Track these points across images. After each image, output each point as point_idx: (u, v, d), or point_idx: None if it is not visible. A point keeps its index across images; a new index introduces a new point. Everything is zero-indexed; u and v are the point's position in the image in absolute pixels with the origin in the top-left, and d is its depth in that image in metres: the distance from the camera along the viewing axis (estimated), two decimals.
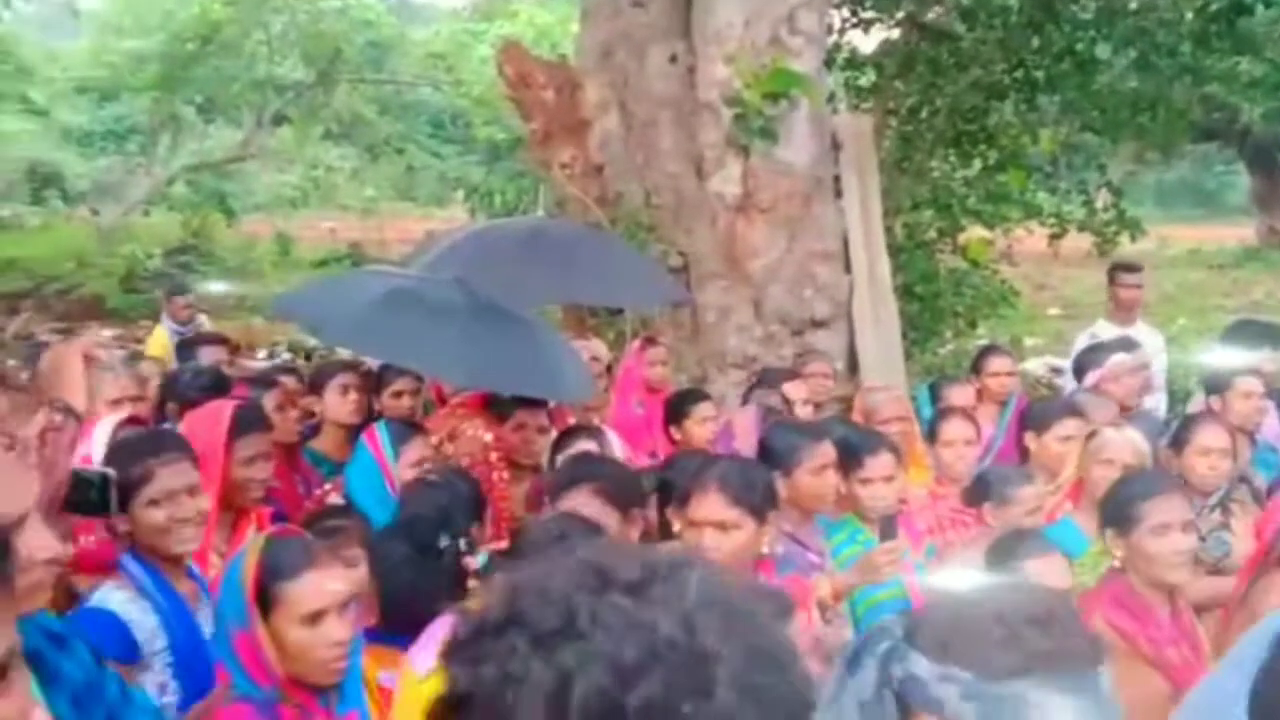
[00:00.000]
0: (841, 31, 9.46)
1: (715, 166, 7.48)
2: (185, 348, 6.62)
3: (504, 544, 3.47)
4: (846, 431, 4.53)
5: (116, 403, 4.40)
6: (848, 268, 7.59)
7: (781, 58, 7.32)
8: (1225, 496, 4.62)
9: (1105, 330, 7.04)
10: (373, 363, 5.50)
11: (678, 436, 5.42)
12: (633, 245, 7.20)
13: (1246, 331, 6.95)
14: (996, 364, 6.13)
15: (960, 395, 5.71)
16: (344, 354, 6.15)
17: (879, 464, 4.25)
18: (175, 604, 3.00)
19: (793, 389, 5.48)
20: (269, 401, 4.64)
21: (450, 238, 6.22)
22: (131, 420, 3.85)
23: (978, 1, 9.10)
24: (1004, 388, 6.04)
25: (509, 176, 13.00)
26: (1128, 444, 4.56)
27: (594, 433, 4.63)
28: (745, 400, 5.38)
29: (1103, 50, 8.74)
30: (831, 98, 8.00)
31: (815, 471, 4.02)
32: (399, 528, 3.39)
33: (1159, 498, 3.48)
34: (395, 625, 3.00)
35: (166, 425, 4.42)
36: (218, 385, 4.85)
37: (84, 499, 2.65)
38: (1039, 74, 9.22)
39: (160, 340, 8.52)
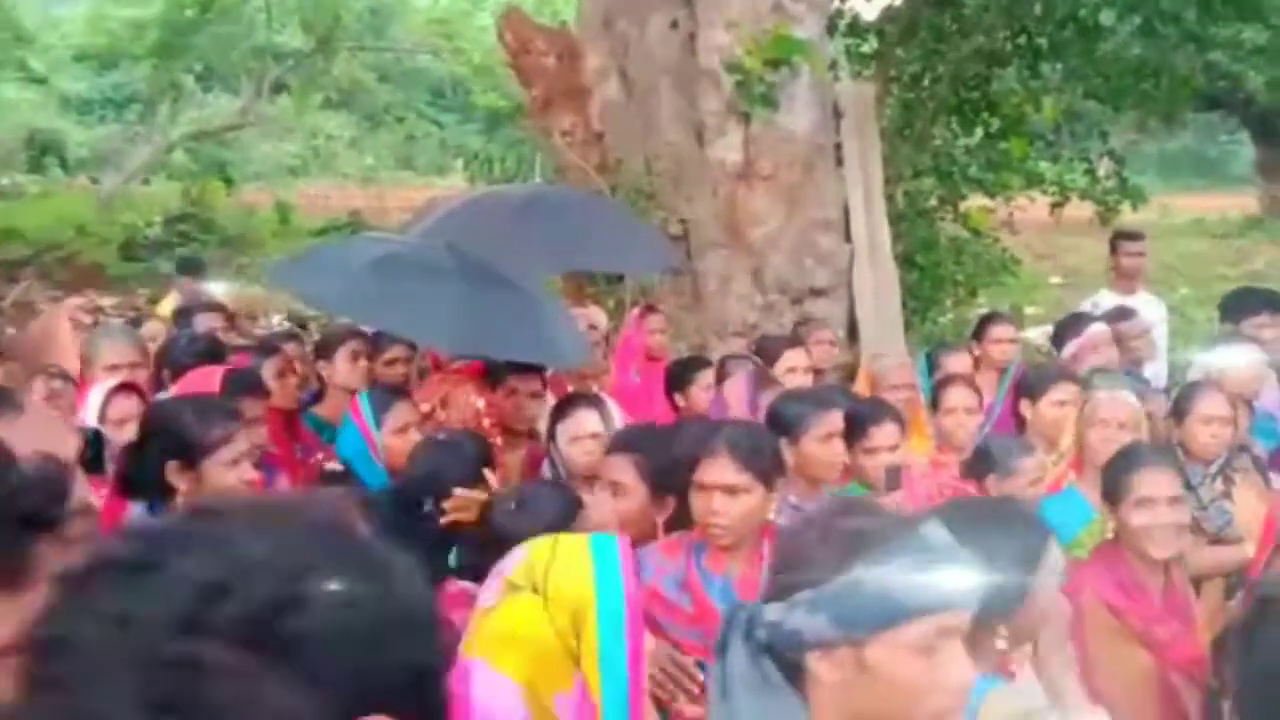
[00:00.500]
0: None
1: (716, 134, 7.45)
2: (183, 315, 6.60)
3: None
4: (850, 401, 4.52)
5: (113, 368, 4.39)
6: (848, 236, 7.56)
7: (783, 24, 7.28)
8: (1226, 465, 4.61)
9: (1107, 299, 7.02)
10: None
11: (681, 403, 5.41)
12: (633, 213, 7.17)
13: (1246, 300, 6.93)
14: (998, 331, 6.12)
15: (958, 363, 5.70)
16: (345, 320, 6.14)
17: (883, 433, 4.26)
18: None
19: (794, 356, 5.47)
20: (268, 368, 4.64)
21: (447, 205, 6.20)
22: (125, 386, 3.84)
23: None
24: (1005, 355, 6.04)
25: (509, 144, 12.96)
26: (1122, 404, 4.55)
27: (594, 401, 4.62)
28: (721, 369, 5.35)
29: (1106, 17, 8.66)
30: (833, 65, 7.95)
31: (823, 439, 4.01)
32: (387, 492, 3.40)
33: (1146, 471, 3.46)
34: None
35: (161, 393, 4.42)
36: (212, 352, 4.85)
37: (81, 458, 2.65)
38: (1042, 41, 9.14)
39: (171, 305, 8.54)
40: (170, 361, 4.78)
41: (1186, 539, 3.59)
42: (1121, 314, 6.43)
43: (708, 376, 5.43)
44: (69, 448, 1.57)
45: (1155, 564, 3.38)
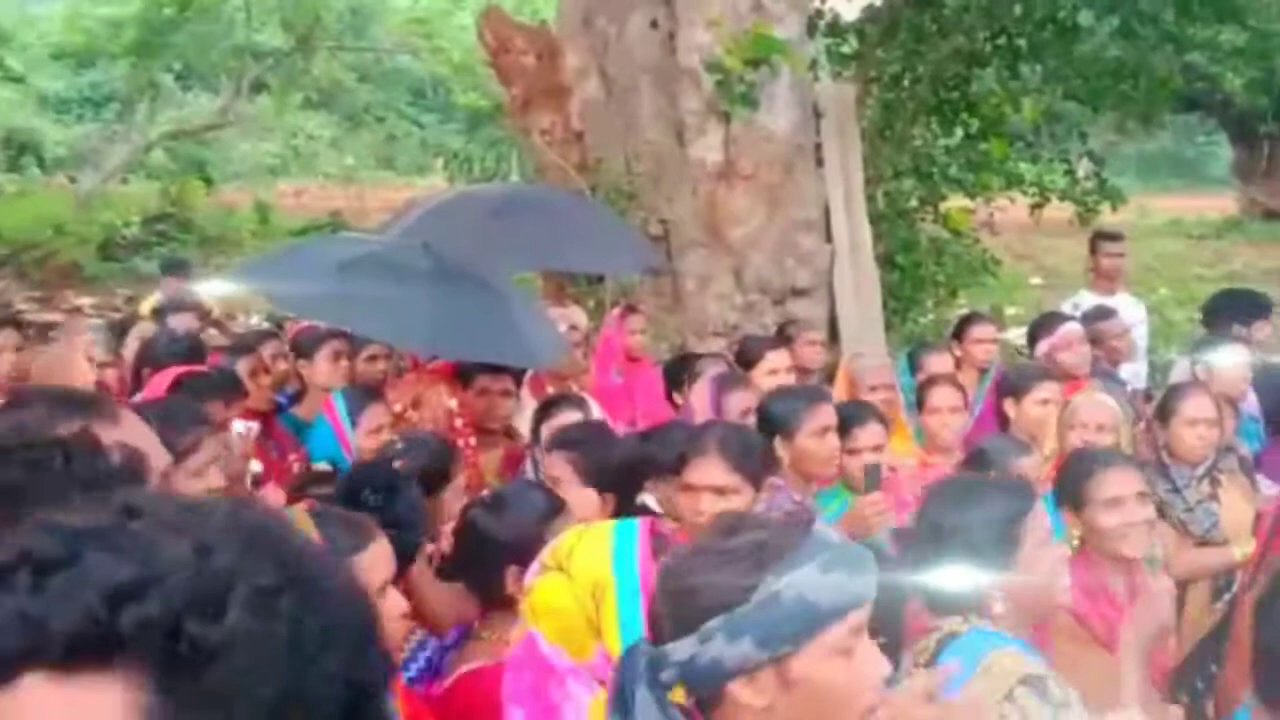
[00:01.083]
0: None
1: (696, 133, 7.43)
2: (160, 314, 6.58)
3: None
4: (833, 402, 4.51)
5: None
6: (829, 236, 7.55)
7: (764, 24, 7.27)
8: (1213, 467, 4.60)
9: (1087, 300, 7.03)
10: None
11: (680, 402, 5.39)
12: (613, 212, 7.15)
13: (1229, 303, 6.96)
14: (979, 331, 6.14)
15: (939, 363, 5.70)
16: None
17: (867, 434, 4.26)
18: None
19: (776, 357, 5.46)
20: (242, 368, 4.60)
21: (425, 204, 6.17)
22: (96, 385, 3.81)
23: None
24: (987, 354, 6.05)
25: (489, 143, 12.92)
26: (1100, 407, 4.54)
27: (577, 402, 4.59)
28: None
29: (1085, 17, 8.70)
30: (813, 65, 7.95)
31: (817, 434, 4.00)
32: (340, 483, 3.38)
33: (1110, 471, 3.44)
34: None
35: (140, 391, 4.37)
36: (193, 352, 4.81)
37: None
38: (1021, 41, 9.18)
39: (152, 304, 8.51)
40: (152, 361, 4.75)
41: (1154, 536, 3.57)
42: (1101, 313, 6.44)
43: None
44: (160, 455, 1.76)
45: (1120, 566, 3.34)
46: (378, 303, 4.31)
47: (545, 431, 4.29)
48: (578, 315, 6.46)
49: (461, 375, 4.88)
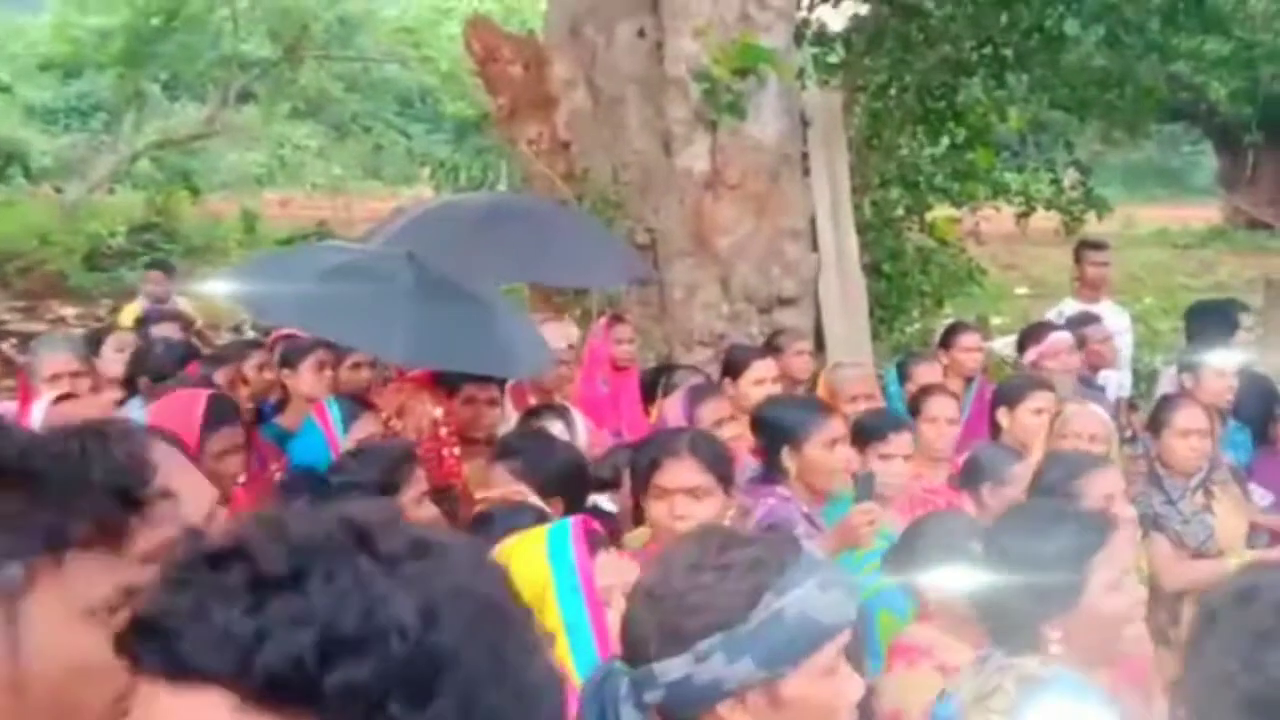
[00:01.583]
0: (811, 7, 9.40)
1: (683, 143, 7.41)
2: (143, 324, 6.54)
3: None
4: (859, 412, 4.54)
5: (54, 378, 4.32)
6: (815, 245, 7.55)
7: (750, 33, 7.26)
8: (1206, 478, 4.59)
9: (1072, 309, 7.04)
10: None
11: (653, 413, 5.36)
12: (600, 222, 7.13)
13: (1210, 314, 6.98)
14: (966, 340, 6.17)
15: (928, 373, 5.70)
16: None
17: (901, 440, 4.28)
18: None
19: (763, 367, 5.43)
20: (221, 378, 4.57)
21: (410, 213, 6.13)
22: (66, 397, 3.75)
23: None
24: (974, 363, 6.07)
25: (475, 152, 12.90)
26: (1092, 418, 4.54)
27: (560, 412, 4.56)
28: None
29: (1071, 27, 8.73)
30: (800, 74, 7.95)
31: (826, 445, 3.91)
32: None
33: (1095, 473, 3.43)
34: None
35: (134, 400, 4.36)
36: (189, 360, 4.79)
37: None
38: (1007, 51, 9.20)
39: (133, 313, 8.47)
40: (148, 369, 4.71)
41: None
42: (1085, 318, 6.47)
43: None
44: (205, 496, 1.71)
45: None
46: (357, 310, 4.27)
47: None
48: (571, 330, 6.42)
49: (447, 384, 4.85)
